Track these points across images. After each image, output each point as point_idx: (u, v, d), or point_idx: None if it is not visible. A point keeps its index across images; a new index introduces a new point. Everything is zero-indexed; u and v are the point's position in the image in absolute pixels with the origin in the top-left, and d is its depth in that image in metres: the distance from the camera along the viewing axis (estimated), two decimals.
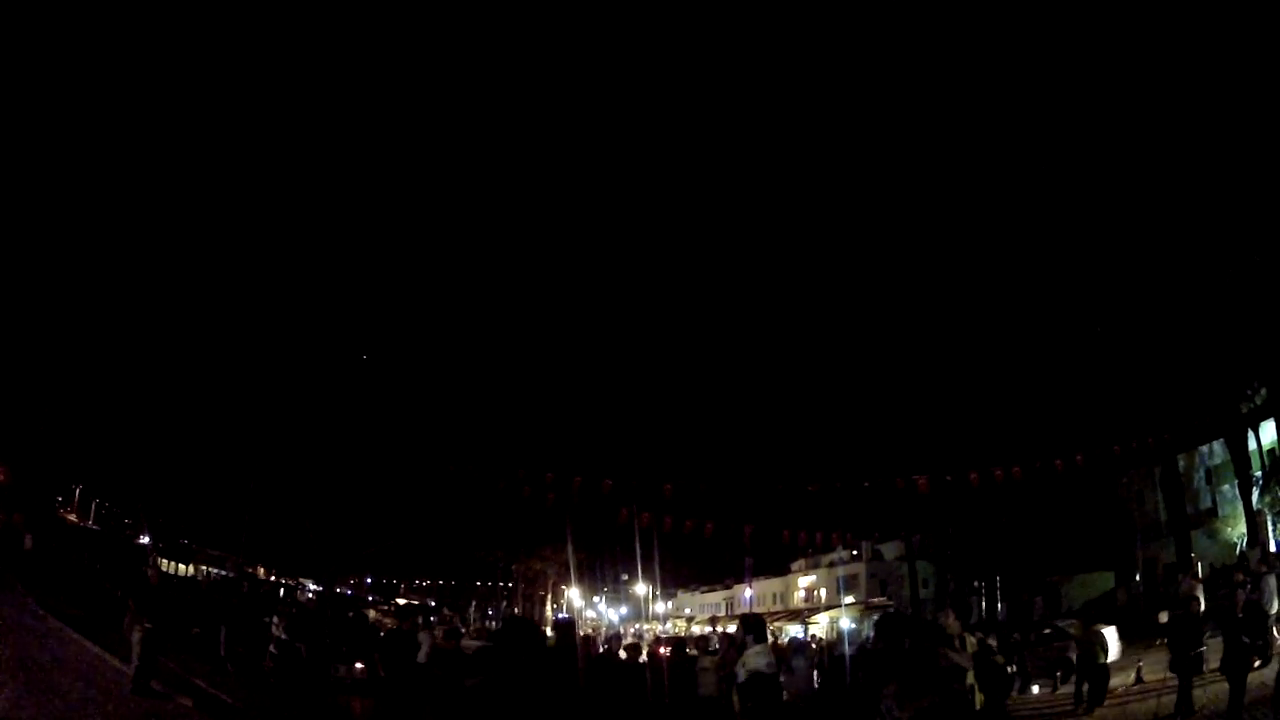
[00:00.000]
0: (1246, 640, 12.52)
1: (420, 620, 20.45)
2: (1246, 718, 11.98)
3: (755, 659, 9.19)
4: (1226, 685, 12.65)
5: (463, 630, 63.43)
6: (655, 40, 69.74)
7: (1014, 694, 18.03)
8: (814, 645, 20.50)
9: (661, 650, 15.40)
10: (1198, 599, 15.05)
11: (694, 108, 76.95)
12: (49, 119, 41.03)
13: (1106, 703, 15.51)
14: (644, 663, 16.30)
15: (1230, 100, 26.92)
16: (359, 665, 17.60)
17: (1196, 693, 13.28)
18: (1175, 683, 14.73)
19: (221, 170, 63.00)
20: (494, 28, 71.76)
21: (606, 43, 72.80)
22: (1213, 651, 13.74)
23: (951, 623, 10.80)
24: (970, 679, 9.72)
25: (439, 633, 13.85)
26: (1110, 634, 20.02)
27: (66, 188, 41.94)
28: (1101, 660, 15.97)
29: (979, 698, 10.44)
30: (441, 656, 11.21)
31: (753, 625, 9.95)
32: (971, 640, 12.06)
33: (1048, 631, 23.09)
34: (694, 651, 14.56)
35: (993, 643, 14.22)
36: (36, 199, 39.60)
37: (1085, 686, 16.12)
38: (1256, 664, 13.36)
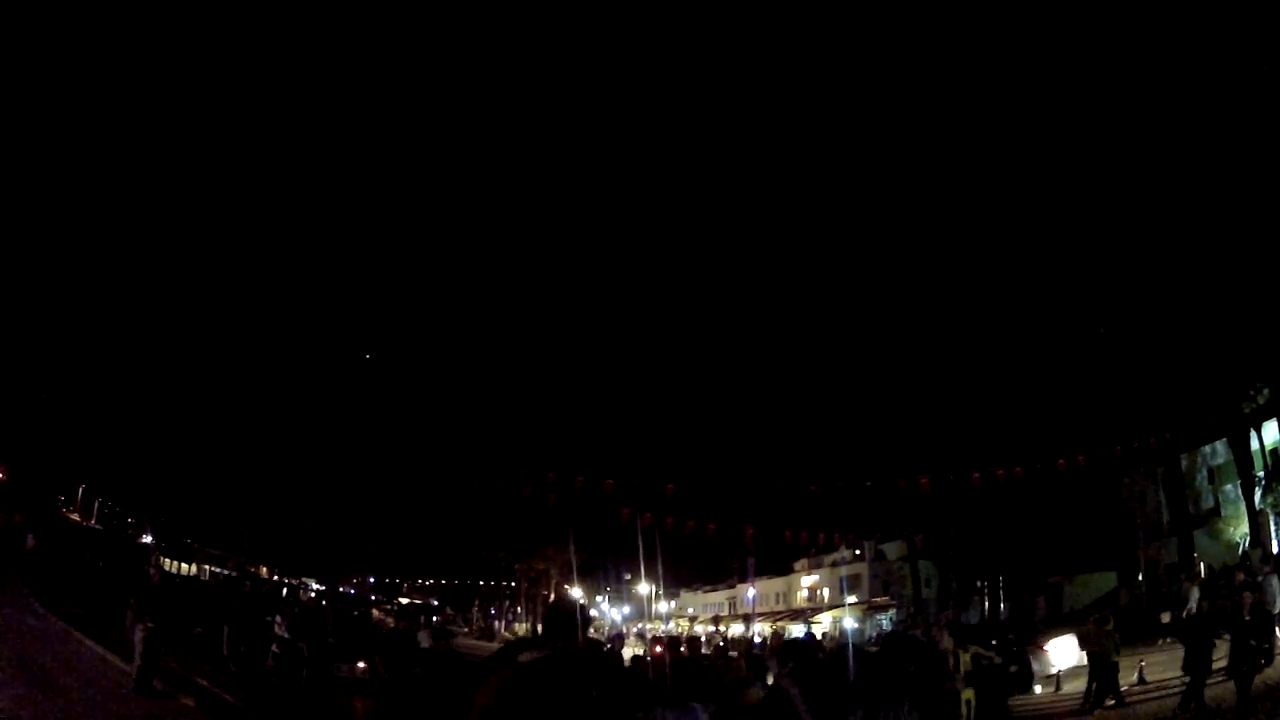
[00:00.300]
0: (1253, 643, 12.51)
1: (422, 620, 20.40)
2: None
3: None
4: (1232, 685, 12.66)
5: (464, 629, 63.37)
6: (655, 40, 69.71)
7: (1016, 694, 18.04)
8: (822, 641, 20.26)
9: (656, 649, 15.32)
10: (1207, 600, 15.03)
11: (693, 108, 76.92)
12: (49, 119, 41.08)
13: (1108, 703, 15.50)
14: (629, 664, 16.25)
15: (1232, 100, 26.89)
16: (361, 665, 17.60)
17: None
18: (1178, 683, 14.74)
19: (224, 171, 63.09)
20: (494, 28, 71.77)
21: (606, 43, 72.77)
22: (1218, 653, 13.74)
23: (946, 640, 11.05)
24: (968, 695, 10.21)
25: (426, 632, 13.76)
26: (1065, 642, 20.14)
27: (68, 188, 41.99)
28: (1114, 658, 15.99)
29: (974, 706, 11.37)
30: (427, 658, 11.04)
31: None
32: (965, 657, 12.35)
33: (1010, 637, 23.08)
34: (687, 652, 14.53)
35: (988, 652, 14.35)
36: (38, 199, 39.66)
37: (1094, 685, 16.14)
38: (1261, 665, 13.35)
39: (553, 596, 74.59)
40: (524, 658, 3.97)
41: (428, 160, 76.57)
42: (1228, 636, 13.31)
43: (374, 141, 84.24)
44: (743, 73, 69.31)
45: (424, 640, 12.97)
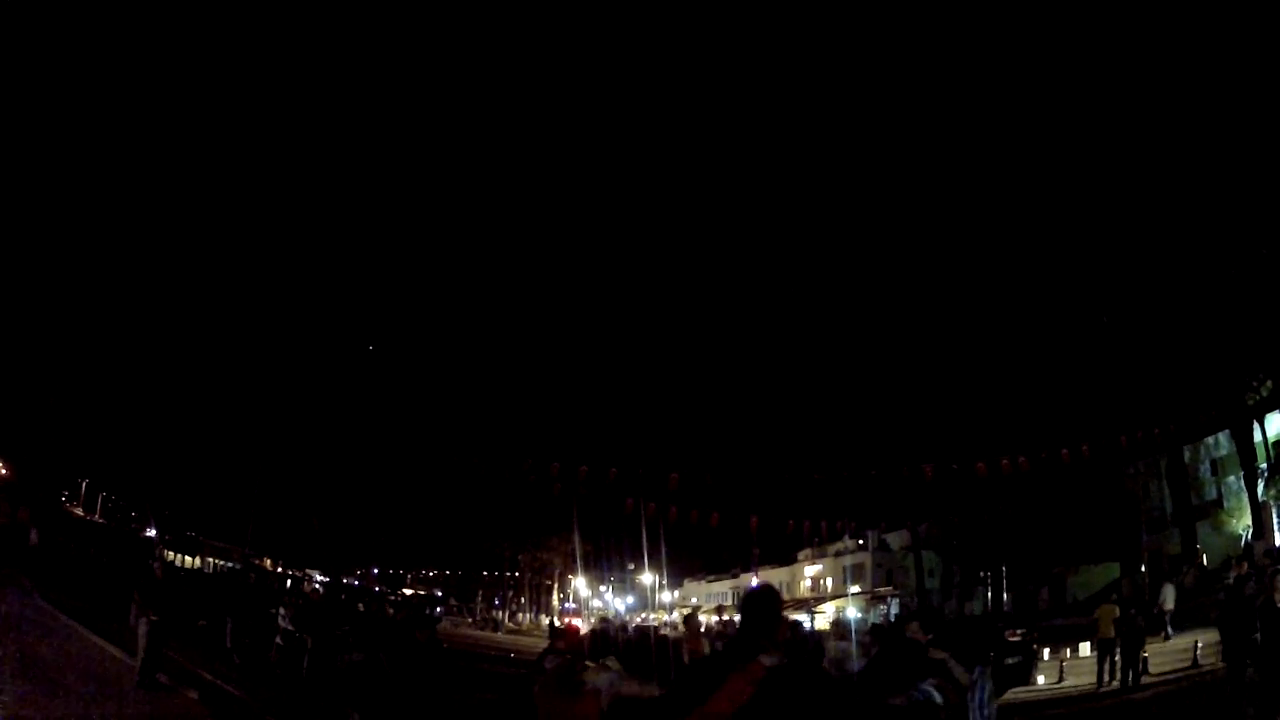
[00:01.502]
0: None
1: (427, 611, 20.43)
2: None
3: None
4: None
5: (468, 620, 63.32)
6: (655, 40, 69.56)
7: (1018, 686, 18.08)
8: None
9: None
10: (1252, 585, 14.87)
11: (697, 105, 76.74)
12: (51, 119, 41.05)
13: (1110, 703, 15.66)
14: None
15: (1237, 94, 26.77)
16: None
17: None
18: (1180, 674, 14.74)
19: (226, 169, 63.06)
20: (494, 28, 71.58)
21: (607, 43, 72.63)
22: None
23: (915, 631, 11.26)
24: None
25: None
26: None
27: (71, 187, 41.98)
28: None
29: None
30: (416, 647, 10.97)
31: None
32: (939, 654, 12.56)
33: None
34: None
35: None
36: (40, 198, 39.65)
37: (1114, 666, 16.37)
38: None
39: (555, 590, 74.73)
40: (766, 661, 3.53)
41: (432, 157, 76.51)
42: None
43: (378, 136, 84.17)
44: (742, 73, 69.15)
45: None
